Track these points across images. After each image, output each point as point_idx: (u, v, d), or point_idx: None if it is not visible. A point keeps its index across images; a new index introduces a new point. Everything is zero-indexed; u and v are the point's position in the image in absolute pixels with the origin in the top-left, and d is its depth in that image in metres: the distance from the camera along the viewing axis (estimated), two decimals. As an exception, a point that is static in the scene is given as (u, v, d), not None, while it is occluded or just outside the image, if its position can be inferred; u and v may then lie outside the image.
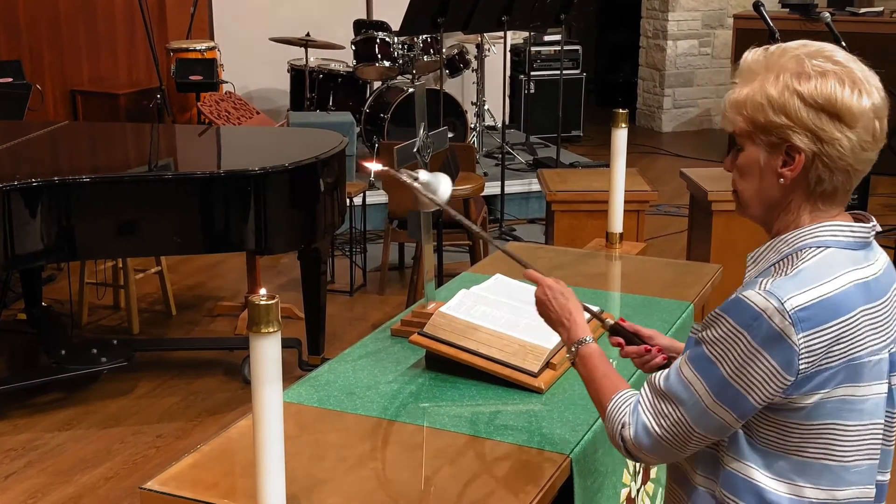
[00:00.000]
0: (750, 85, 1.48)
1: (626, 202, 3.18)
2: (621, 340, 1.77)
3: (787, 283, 1.42)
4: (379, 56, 6.74)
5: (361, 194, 5.39)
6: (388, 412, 2.01)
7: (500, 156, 6.64)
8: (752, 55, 1.51)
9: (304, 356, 4.26)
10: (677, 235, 5.81)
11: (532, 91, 8.25)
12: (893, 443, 1.56)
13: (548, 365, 2.12)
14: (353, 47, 6.81)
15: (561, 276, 2.81)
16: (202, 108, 6.32)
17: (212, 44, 6.89)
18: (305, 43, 6.62)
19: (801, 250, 1.47)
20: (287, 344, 4.23)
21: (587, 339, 1.69)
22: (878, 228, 1.54)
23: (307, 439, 1.91)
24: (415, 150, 2.36)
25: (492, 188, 6.34)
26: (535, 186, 6.41)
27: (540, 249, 3.24)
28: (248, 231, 3.85)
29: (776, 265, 1.48)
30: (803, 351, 1.40)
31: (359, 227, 5.62)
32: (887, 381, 1.49)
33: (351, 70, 6.86)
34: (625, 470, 2.13)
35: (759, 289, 1.43)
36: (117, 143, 4.69)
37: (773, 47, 1.50)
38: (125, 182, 3.78)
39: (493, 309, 2.21)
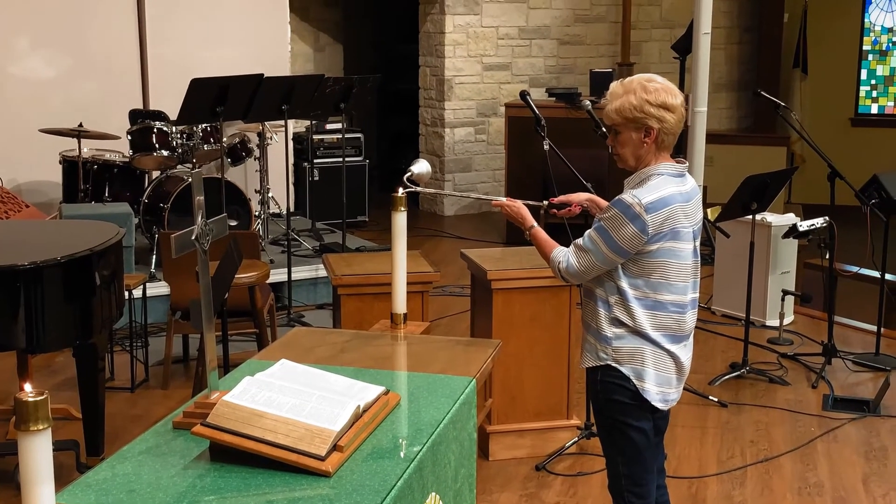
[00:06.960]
0: (619, 99, 2.79)
1: (409, 283, 3.25)
2: (555, 210, 3.21)
3: (643, 191, 2.76)
4: (157, 145, 6.61)
5: (141, 286, 5.23)
6: (171, 508, 1.94)
7: (286, 242, 6.63)
8: (615, 86, 2.82)
9: (83, 458, 4.04)
10: (463, 315, 5.95)
11: (316, 178, 8.32)
12: (699, 275, 2.92)
13: (335, 447, 2.11)
14: (129, 137, 6.65)
15: (350, 358, 2.85)
16: (-35, 202, 5.98)
17: (-24, 135, 6.56)
18: (78, 133, 6.41)
19: (650, 176, 2.80)
20: (63, 446, 4.01)
21: (534, 224, 3.04)
22: (687, 164, 2.92)
23: (84, 543, 1.81)
24: (193, 237, 2.33)
25: (278, 275, 6.31)
26: (322, 272, 6.43)
27: (329, 334, 3.24)
28: (18, 329, 3.65)
29: (639, 183, 2.81)
30: (650, 223, 2.73)
31: (139, 320, 5.43)
32: (692, 242, 2.85)
33: (128, 160, 6.69)
34: (416, 548, 2.14)
35: (630, 194, 2.76)
36: None
37: (626, 80, 2.83)
38: None
39: (279, 394, 2.19)
